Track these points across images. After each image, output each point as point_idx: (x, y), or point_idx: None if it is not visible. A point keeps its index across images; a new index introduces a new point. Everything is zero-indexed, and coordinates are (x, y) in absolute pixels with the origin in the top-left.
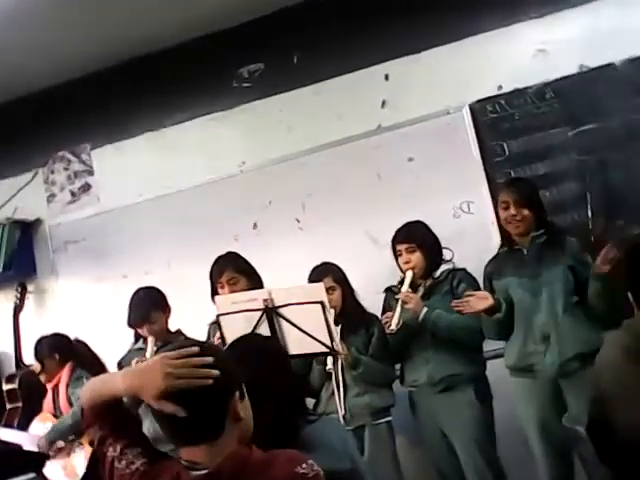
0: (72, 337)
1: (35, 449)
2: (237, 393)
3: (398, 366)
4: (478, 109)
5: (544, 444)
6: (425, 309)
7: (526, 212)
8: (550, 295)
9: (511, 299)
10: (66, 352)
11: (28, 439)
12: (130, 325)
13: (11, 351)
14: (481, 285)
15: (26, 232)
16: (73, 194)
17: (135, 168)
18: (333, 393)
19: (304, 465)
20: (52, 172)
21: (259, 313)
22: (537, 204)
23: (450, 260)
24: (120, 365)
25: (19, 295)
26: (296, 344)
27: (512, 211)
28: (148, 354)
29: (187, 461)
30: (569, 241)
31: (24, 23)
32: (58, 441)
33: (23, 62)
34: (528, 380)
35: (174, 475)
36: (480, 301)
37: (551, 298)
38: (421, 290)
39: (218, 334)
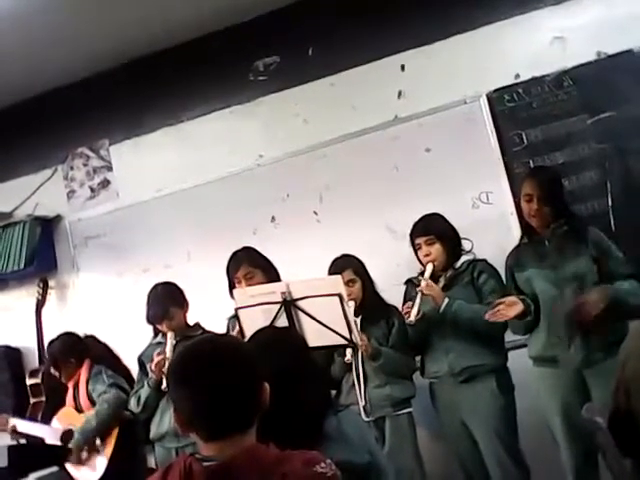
0: (81, 334)
1: (58, 443)
2: (265, 383)
3: (419, 357)
4: (495, 98)
5: (567, 434)
6: (446, 300)
7: (549, 204)
8: (573, 285)
9: (534, 291)
10: (80, 352)
11: (51, 433)
12: (149, 321)
13: (34, 346)
14: (502, 276)
15: (47, 228)
16: (92, 190)
17: (153, 163)
18: (353, 384)
19: (322, 464)
20: (71, 168)
21: (277, 306)
22: (560, 196)
23: (470, 251)
24: (140, 359)
25: (41, 290)
26: (315, 336)
27: (535, 205)
28: (168, 349)
29: (204, 455)
30: (591, 230)
31: (41, 22)
32: (87, 444)
33: (41, 60)
34: (552, 370)
35: (186, 465)
36: (511, 308)
37: (574, 288)
38: (442, 281)
39: (237, 327)
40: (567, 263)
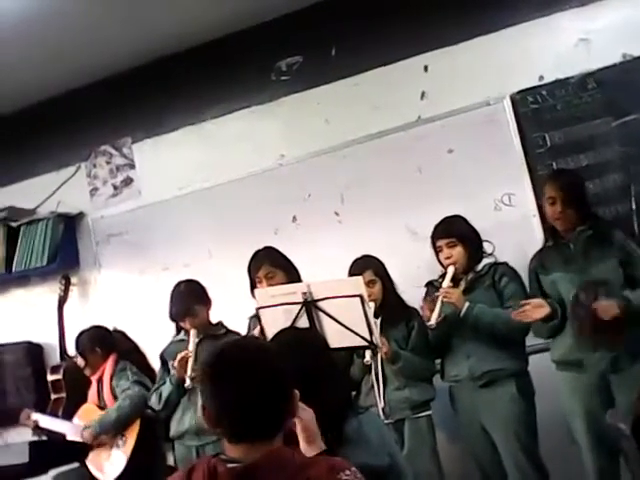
0: (111, 327)
1: (79, 439)
2: (296, 391)
3: (438, 360)
4: (519, 100)
5: (590, 438)
6: (467, 304)
7: (573, 207)
8: (599, 289)
9: (560, 294)
10: (107, 344)
11: (72, 429)
12: (172, 318)
13: (56, 342)
14: (524, 279)
15: (69, 225)
16: (115, 188)
17: (175, 161)
18: (372, 386)
19: (347, 472)
20: (94, 166)
21: (298, 306)
22: (584, 199)
23: (491, 254)
24: (162, 356)
25: (63, 287)
26: (335, 337)
27: (559, 208)
28: (190, 346)
29: (230, 456)
30: (617, 233)
31: (65, 23)
32: (102, 435)
33: (65, 59)
34: (576, 374)
35: (210, 466)
36: (537, 310)
37: (600, 292)
38: (463, 284)
39: (258, 327)
40: (593, 267)
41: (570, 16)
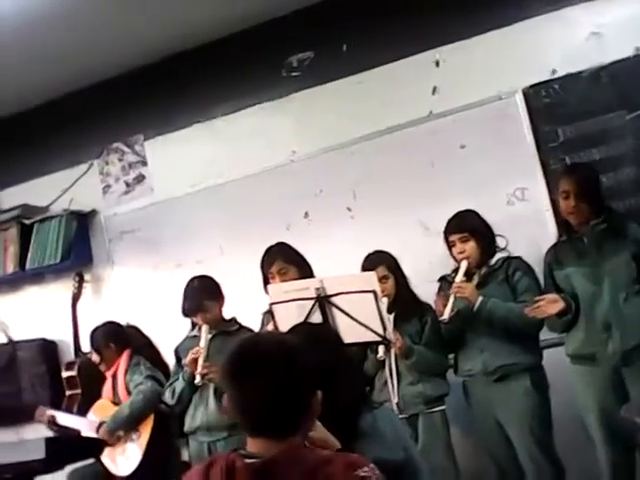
0: (124, 323)
1: (94, 435)
2: (319, 392)
3: (452, 355)
4: (531, 94)
5: (604, 432)
6: (480, 298)
7: (587, 202)
8: (612, 284)
9: (573, 288)
10: (121, 340)
11: (87, 425)
12: (184, 314)
13: (70, 339)
14: (537, 273)
15: (82, 223)
16: (128, 185)
17: (187, 158)
18: (386, 381)
19: (365, 468)
20: (107, 163)
21: (311, 302)
22: (597, 193)
23: (504, 248)
24: (176, 352)
25: (76, 284)
26: (348, 333)
27: (572, 202)
28: (202, 343)
29: (249, 452)
30: (631, 227)
31: (78, 22)
32: (118, 431)
33: (76, 58)
34: (589, 368)
35: (229, 461)
36: (551, 305)
37: (613, 287)
38: (476, 279)
39: (272, 323)
40: (606, 260)
41: (582, 10)
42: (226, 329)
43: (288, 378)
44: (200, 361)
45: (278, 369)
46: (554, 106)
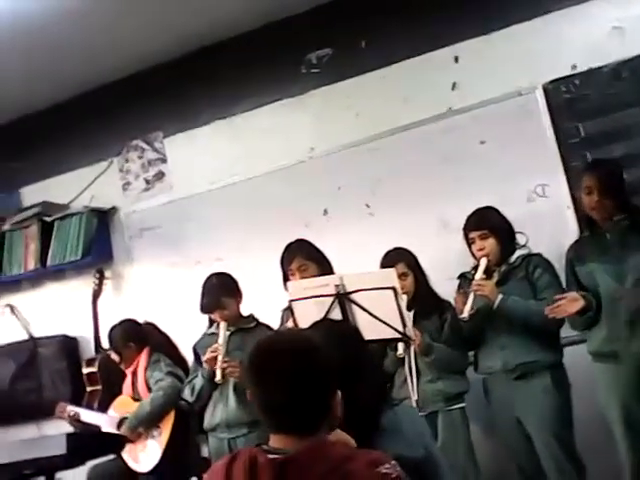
0: (141, 320)
1: (114, 431)
2: (338, 392)
3: (472, 352)
4: (552, 90)
5: (627, 430)
6: (500, 296)
7: (610, 197)
8: (636, 280)
9: (596, 285)
10: (140, 338)
11: (107, 421)
12: (202, 311)
13: (90, 335)
14: (558, 270)
15: (103, 220)
16: (147, 182)
17: (206, 156)
18: (406, 379)
19: (387, 465)
20: (126, 161)
21: (331, 299)
22: (621, 188)
23: (525, 245)
24: (195, 349)
25: (97, 281)
26: (368, 330)
27: (595, 197)
28: (220, 340)
29: (272, 447)
30: None
31: (98, 19)
32: (139, 428)
33: (95, 55)
34: (612, 366)
35: (251, 456)
36: (572, 304)
37: (637, 283)
38: (496, 276)
39: (291, 320)
40: (629, 257)
41: (603, 4)
42: (244, 326)
43: (309, 376)
44: (220, 358)
45: (299, 366)
46: (575, 102)
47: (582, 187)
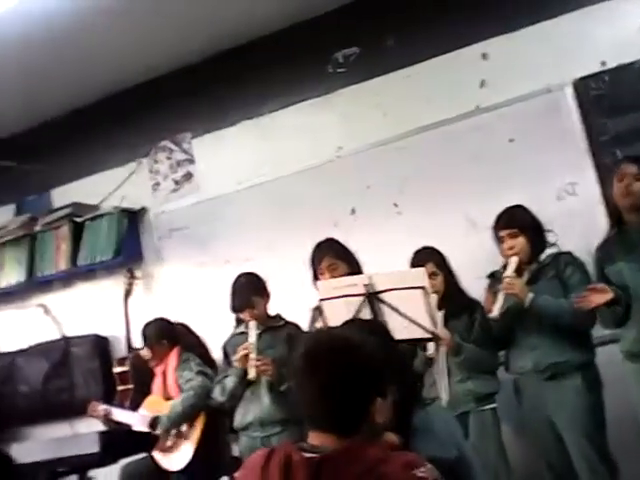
0: (173, 320)
1: (145, 429)
2: (379, 399)
3: (502, 352)
4: (581, 87)
5: None
6: (531, 295)
7: None
8: None
9: (626, 284)
10: (173, 337)
11: (139, 419)
12: (233, 310)
13: (121, 335)
14: (588, 269)
15: (132, 220)
16: (176, 183)
17: (234, 156)
18: (436, 379)
19: (422, 469)
20: (155, 161)
21: (360, 298)
22: None
23: (555, 243)
24: (224, 348)
25: (128, 280)
26: (397, 330)
27: (627, 181)
28: (251, 339)
29: (309, 444)
30: None
31: (126, 20)
32: (172, 428)
33: (124, 57)
34: None
35: (288, 453)
36: (599, 295)
37: None
38: (526, 275)
39: (320, 319)
40: None
41: (632, 0)
42: (273, 324)
43: (353, 375)
44: (252, 356)
45: (345, 365)
46: (604, 98)
47: (616, 174)
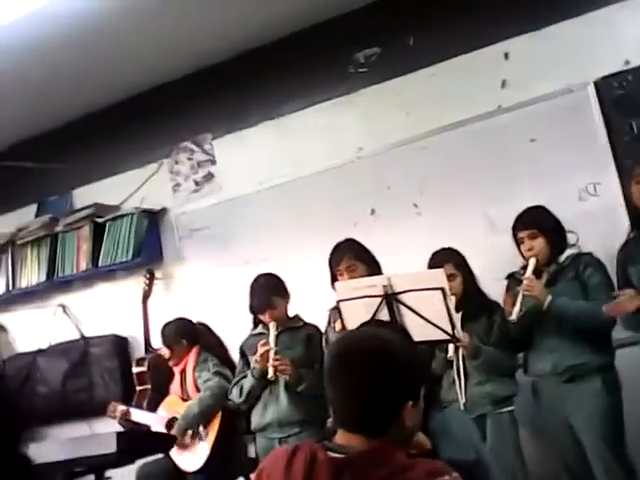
0: (194, 320)
1: (163, 430)
2: (410, 402)
3: (521, 354)
4: (603, 86)
5: None
6: (549, 297)
7: None
8: None
9: None
10: (192, 336)
11: (157, 420)
12: (252, 311)
13: (140, 335)
14: (609, 270)
15: (153, 221)
16: (197, 183)
17: (255, 156)
18: (454, 381)
19: (447, 477)
20: (176, 162)
21: (379, 299)
22: None
23: (575, 244)
24: (242, 349)
25: (147, 281)
26: (416, 331)
27: None
28: (271, 339)
29: (336, 443)
30: None
31: (147, 21)
32: (189, 429)
33: (145, 58)
34: None
35: (313, 451)
36: (631, 301)
37: None
38: (545, 276)
39: (339, 320)
40: None
41: None
42: (291, 325)
43: (379, 380)
44: (271, 355)
45: (372, 369)
46: (627, 98)
47: (634, 177)
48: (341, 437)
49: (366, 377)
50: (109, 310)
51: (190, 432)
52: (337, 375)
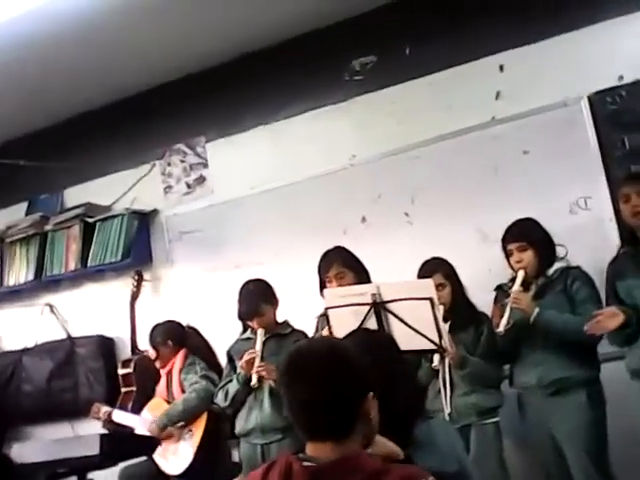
0: (184, 324)
1: (147, 433)
2: (370, 393)
3: (507, 366)
4: (597, 101)
5: None
6: (537, 310)
7: None
8: None
9: (635, 301)
10: (179, 339)
11: (141, 423)
12: (240, 318)
13: (127, 337)
14: (597, 284)
15: (143, 222)
16: (189, 186)
17: (247, 161)
18: (439, 391)
19: None
20: (169, 164)
21: (367, 307)
22: None
23: (564, 257)
24: (229, 353)
25: (135, 282)
26: (403, 340)
27: (634, 201)
28: (258, 346)
29: (307, 455)
30: None
31: (140, 23)
32: (169, 427)
33: (140, 59)
34: None
35: (288, 463)
36: (612, 319)
37: None
38: (533, 289)
39: (327, 327)
40: None
41: None
42: (279, 332)
43: (338, 377)
44: (256, 362)
45: (326, 372)
46: (621, 113)
47: (620, 196)
48: (310, 448)
49: (324, 384)
50: (96, 310)
51: (172, 432)
52: (292, 386)
